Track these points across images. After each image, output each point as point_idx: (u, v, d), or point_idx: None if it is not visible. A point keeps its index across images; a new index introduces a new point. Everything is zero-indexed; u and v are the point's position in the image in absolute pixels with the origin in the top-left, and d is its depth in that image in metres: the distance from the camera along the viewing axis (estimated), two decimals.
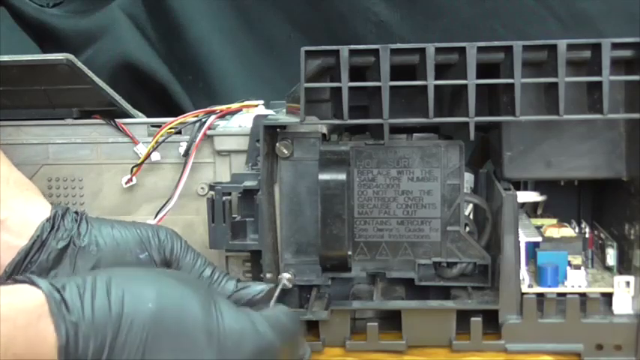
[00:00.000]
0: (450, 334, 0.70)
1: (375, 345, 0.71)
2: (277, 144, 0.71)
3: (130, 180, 0.78)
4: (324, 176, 0.69)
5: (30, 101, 0.77)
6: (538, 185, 0.79)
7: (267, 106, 0.83)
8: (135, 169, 0.78)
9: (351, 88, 0.68)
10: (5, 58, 0.73)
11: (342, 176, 0.69)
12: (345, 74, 0.67)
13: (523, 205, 0.80)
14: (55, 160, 0.80)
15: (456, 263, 0.73)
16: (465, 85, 0.66)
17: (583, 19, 0.96)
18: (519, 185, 0.78)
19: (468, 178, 0.78)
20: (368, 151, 0.72)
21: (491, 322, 0.70)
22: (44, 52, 1.04)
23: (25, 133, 0.80)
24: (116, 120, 0.79)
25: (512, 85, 0.66)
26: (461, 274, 0.73)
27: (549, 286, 0.69)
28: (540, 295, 0.69)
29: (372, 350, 0.71)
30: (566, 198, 0.82)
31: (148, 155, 0.77)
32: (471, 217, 0.78)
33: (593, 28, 0.95)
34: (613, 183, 0.73)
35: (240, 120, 0.78)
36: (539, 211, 0.82)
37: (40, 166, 0.80)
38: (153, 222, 0.74)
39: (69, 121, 0.79)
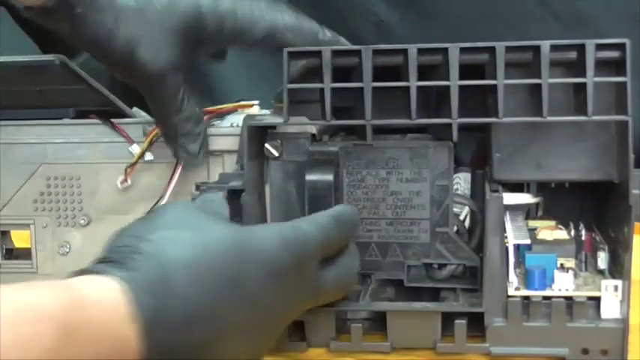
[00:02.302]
0: (435, 336, 0.70)
1: (359, 346, 0.70)
2: (266, 144, 0.71)
3: (125, 180, 0.79)
4: (311, 177, 0.69)
5: (26, 101, 0.79)
6: (540, 187, 0.78)
7: (267, 106, 0.83)
8: (128, 170, 0.79)
9: (340, 89, 0.68)
10: None
11: (329, 177, 0.69)
12: (327, 75, 0.67)
13: (523, 206, 0.79)
14: (53, 160, 0.81)
15: (445, 265, 0.72)
16: (449, 86, 0.66)
17: (583, 19, 0.95)
18: (522, 187, 0.77)
19: (465, 177, 0.77)
20: (357, 152, 0.71)
21: (480, 325, 0.70)
22: (44, 52, 1.06)
23: (24, 132, 0.81)
24: (112, 120, 0.80)
25: (496, 86, 0.66)
26: (451, 276, 0.73)
27: (536, 289, 0.69)
28: (526, 298, 0.69)
29: (356, 351, 0.71)
30: (569, 200, 0.81)
31: (141, 155, 0.78)
32: (468, 218, 0.78)
33: (593, 28, 0.94)
34: (610, 185, 0.72)
35: (233, 120, 0.79)
36: (539, 213, 0.81)
37: (39, 165, 0.81)
38: None
39: (66, 120, 0.81)
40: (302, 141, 0.72)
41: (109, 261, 0.49)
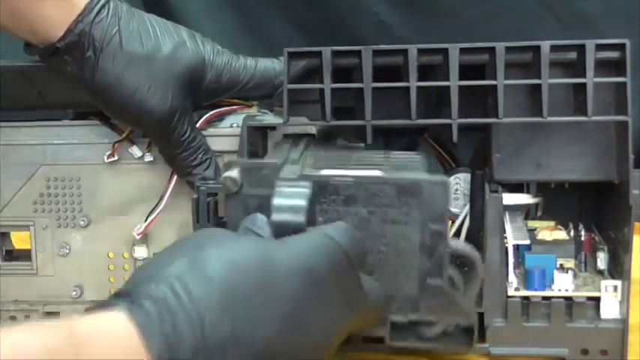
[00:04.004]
0: None
1: (359, 346, 0.70)
2: (224, 175, 0.60)
3: (112, 155, 0.79)
4: (278, 217, 0.56)
5: (26, 103, 0.79)
6: (540, 187, 0.78)
7: (266, 106, 0.83)
8: (116, 145, 0.79)
9: (340, 90, 0.68)
10: None
11: (301, 218, 0.56)
12: (327, 75, 0.67)
13: (523, 207, 0.79)
14: (53, 161, 0.81)
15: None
16: (449, 87, 0.66)
17: (583, 19, 0.95)
18: (522, 187, 0.77)
19: (464, 178, 0.77)
20: (333, 186, 0.59)
21: (480, 325, 0.69)
22: None
23: (23, 133, 0.81)
24: (111, 121, 0.79)
25: (496, 86, 0.66)
26: (442, 332, 0.66)
27: (536, 290, 0.69)
28: (526, 298, 0.69)
29: (356, 351, 0.70)
30: (568, 200, 0.81)
31: (129, 134, 0.79)
32: (467, 219, 0.77)
33: (593, 29, 0.94)
34: (610, 186, 0.72)
35: (233, 120, 0.79)
36: (538, 213, 0.81)
37: (39, 166, 0.81)
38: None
39: (65, 122, 0.80)
40: (265, 172, 0.60)
41: (121, 294, 0.47)
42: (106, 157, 0.79)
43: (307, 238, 0.54)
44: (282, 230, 0.55)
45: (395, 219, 0.59)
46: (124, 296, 0.46)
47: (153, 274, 0.47)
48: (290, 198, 0.57)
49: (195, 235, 0.54)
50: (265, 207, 0.57)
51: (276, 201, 0.57)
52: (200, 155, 0.76)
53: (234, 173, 0.59)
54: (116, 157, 0.79)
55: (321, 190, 0.59)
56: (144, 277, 0.47)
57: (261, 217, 0.56)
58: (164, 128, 0.73)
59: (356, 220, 0.59)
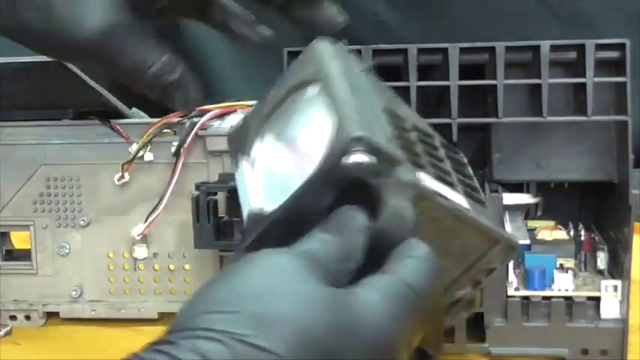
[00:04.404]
0: None
1: None
2: (367, 162, 0.46)
3: (122, 177, 0.79)
4: (387, 224, 0.47)
5: (26, 102, 0.79)
6: (539, 187, 0.78)
7: None
8: (125, 166, 0.79)
9: None
10: None
11: (408, 233, 0.47)
12: None
13: (523, 206, 0.79)
14: (53, 160, 0.81)
15: None
16: (448, 86, 0.66)
17: (583, 19, 0.95)
18: (522, 187, 0.77)
19: None
20: (428, 202, 0.49)
21: (480, 325, 0.70)
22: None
23: (23, 133, 0.81)
24: (111, 120, 0.79)
25: (496, 86, 0.66)
26: None
27: (536, 290, 0.69)
28: (526, 298, 0.69)
29: None
30: (568, 200, 0.81)
31: (138, 151, 0.78)
32: None
33: (593, 28, 0.94)
34: (609, 186, 0.72)
35: (234, 120, 0.79)
36: (538, 213, 0.81)
37: (39, 166, 0.81)
38: None
39: (65, 121, 0.80)
40: (380, 164, 0.45)
41: (163, 343, 0.38)
42: (116, 180, 0.79)
43: (387, 291, 0.43)
44: (385, 237, 0.46)
45: (449, 250, 0.51)
46: (166, 350, 0.37)
47: (206, 322, 0.38)
48: (401, 207, 0.47)
49: (260, 273, 0.42)
50: (358, 197, 0.46)
51: (388, 208, 0.47)
52: (169, 75, 0.58)
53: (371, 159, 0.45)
54: (127, 179, 0.79)
55: (415, 201, 0.48)
56: (193, 323, 0.39)
57: (361, 220, 0.46)
58: (103, 51, 0.58)
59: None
